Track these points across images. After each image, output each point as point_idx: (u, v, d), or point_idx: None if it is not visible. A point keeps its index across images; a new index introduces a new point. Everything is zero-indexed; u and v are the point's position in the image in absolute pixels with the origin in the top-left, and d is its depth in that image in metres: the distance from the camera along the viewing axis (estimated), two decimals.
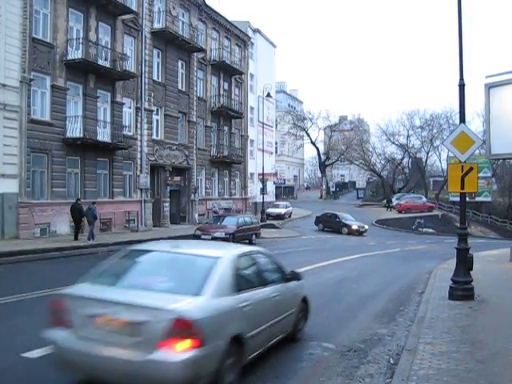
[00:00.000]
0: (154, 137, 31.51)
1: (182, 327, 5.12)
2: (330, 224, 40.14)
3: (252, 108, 48.06)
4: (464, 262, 10.94)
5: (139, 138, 29.92)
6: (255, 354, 6.55)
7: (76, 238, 22.16)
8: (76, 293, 5.77)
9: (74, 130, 24.54)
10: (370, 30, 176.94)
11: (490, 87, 15.76)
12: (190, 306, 5.37)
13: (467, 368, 6.44)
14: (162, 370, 5.05)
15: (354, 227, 38.83)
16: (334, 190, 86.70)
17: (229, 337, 5.70)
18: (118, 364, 5.19)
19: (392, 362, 7.32)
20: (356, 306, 11.69)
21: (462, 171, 10.95)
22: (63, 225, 24.09)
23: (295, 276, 8.20)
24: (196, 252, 6.96)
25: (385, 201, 64.43)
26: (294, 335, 8.17)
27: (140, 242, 23.53)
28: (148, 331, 5.13)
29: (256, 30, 49.24)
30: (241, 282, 6.41)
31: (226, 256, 6.51)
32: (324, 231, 39.09)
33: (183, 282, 5.95)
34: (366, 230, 39.36)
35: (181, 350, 5.09)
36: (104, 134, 26.43)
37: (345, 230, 38.62)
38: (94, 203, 23.70)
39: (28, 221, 22.19)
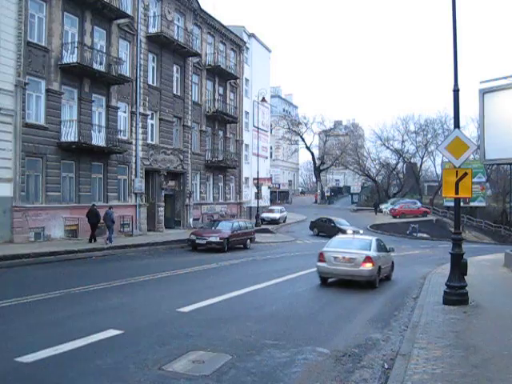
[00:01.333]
0: (149, 141, 31.49)
1: (368, 259, 14.57)
2: (324, 229, 40.13)
3: (247, 113, 48.12)
4: (458, 266, 10.97)
5: (134, 142, 29.89)
6: (380, 276, 15.52)
7: (94, 241, 23.32)
8: (327, 250, 15.37)
9: (69, 134, 24.49)
10: (365, 34, 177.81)
11: (484, 93, 15.87)
12: (369, 252, 14.91)
13: (461, 373, 6.45)
14: (362, 272, 14.60)
15: (349, 232, 38.85)
16: (328, 194, 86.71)
17: (378, 265, 15.06)
18: (347, 271, 14.79)
19: (386, 366, 7.33)
20: (351, 310, 11.71)
21: (457, 176, 10.99)
22: (57, 229, 24.01)
23: (391, 250, 17.77)
24: (363, 237, 18.56)
25: (381, 206, 65.07)
26: (389, 277, 17.06)
27: (136, 246, 23.76)
28: (357, 260, 14.58)
29: (251, 35, 49.34)
30: (378, 248, 15.77)
31: (373, 238, 16.55)
32: (319, 236, 39.10)
33: (362, 246, 15.39)
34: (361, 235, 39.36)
35: (368, 266, 14.56)
36: (99, 138, 26.37)
37: (340, 234, 38.57)
38: (110, 208, 24.87)
39: (22, 225, 22.10)
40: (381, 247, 16.20)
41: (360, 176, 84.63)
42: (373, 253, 14.97)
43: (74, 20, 25.39)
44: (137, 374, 6.57)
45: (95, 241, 23.39)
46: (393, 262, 17.50)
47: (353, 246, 15.38)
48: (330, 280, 15.62)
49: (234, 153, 43.71)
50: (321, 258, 15.16)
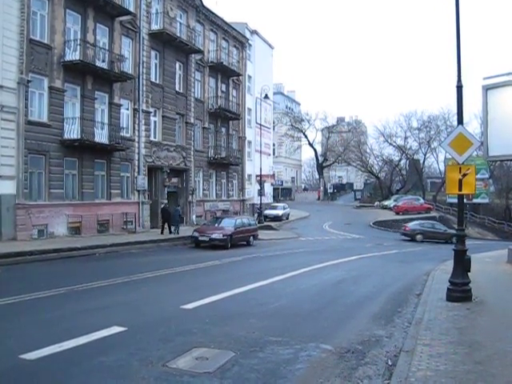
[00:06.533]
0: (152, 138, 31.49)
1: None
2: (434, 235, 37.50)
3: (249, 109, 48.08)
4: (462, 263, 10.94)
5: (137, 139, 29.90)
6: None
7: (162, 233, 28.36)
8: None
9: (72, 132, 24.51)
10: (367, 31, 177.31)
11: (487, 89, 15.81)
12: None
13: (465, 369, 6.44)
14: None
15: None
16: (331, 191, 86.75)
17: None
18: None
19: (390, 363, 7.31)
20: (354, 307, 11.69)
21: (460, 173, 10.95)
22: (61, 226, 24.05)
23: None
24: None
25: (383, 202, 65.59)
26: None
27: (139, 243, 23.80)
28: None
29: (254, 32, 49.28)
30: None
31: None
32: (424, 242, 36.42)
33: None
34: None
35: None
36: (102, 136, 26.39)
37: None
38: (178, 205, 30.71)
39: (25, 222, 22.14)
40: None
41: (363, 173, 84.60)
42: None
43: (76, 17, 25.39)
44: (140, 370, 6.57)
45: (163, 233, 28.18)
46: None
47: None
48: (337, 278, 15.70)
49: (236, 150, 43.73)
50: None
